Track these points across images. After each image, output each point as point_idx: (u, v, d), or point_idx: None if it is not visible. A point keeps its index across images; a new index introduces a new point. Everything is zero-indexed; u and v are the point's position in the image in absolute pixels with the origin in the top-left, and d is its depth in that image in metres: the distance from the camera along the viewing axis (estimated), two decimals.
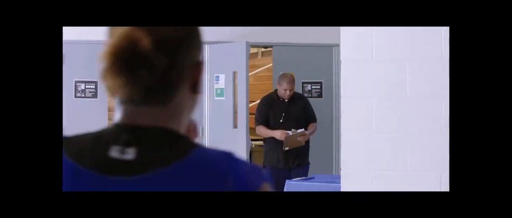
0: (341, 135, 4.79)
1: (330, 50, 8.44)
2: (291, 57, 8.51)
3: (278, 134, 7.86)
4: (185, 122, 1.47)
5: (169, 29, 1.41)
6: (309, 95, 8.62)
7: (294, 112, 7.98)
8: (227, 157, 1.40)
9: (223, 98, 8.38)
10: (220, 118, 8.39)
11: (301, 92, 8.69)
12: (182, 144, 1.41)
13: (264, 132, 8.00)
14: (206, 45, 8.31)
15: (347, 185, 4.63)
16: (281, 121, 7.94)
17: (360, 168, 4.68)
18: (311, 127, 8.10)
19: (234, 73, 8.41)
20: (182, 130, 1.45)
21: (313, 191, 5.66)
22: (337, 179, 5.39)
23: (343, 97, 4.76)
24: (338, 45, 5.49)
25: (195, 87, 1.47)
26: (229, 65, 8.39)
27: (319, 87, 8.65)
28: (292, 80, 7.91)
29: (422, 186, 4.32)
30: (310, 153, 8.54)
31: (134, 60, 1.35)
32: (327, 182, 6.10)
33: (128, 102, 1.41)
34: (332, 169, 8.53)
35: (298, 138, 7.88)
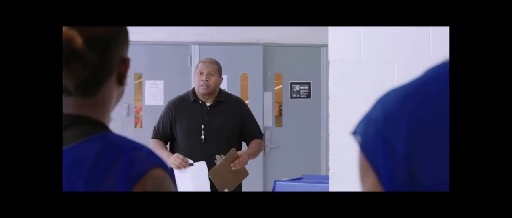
0: (329, 135, 4.80)
1: (319, 51, 8.45)
2: (279, 57, 8.51)
3: (171, 161, 5.13)
4: (110, 110, 1.62)
5: (99, 28, 1.54)
6: (298, 96, 8.59)
7: (221, 123, 5.36)
8: (128, 142, 1.52)
9: None
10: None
11: (289, 93, 8.63)
12: (96, 127, 1.54)
13: (155, 149, 4.65)
14: (196, 46, 8.30)
15: (335, 185, 4.64)
16: (202, 137, 5.28)
17: (349, 168, 4.69)
18: (253, 144, 5.55)
19: (241, 75, 8.34)
20: (107, 117, 1.60)
21: (301, 191, 5.66)
22: (325, 179, 5.39)
23: (331, 98, 4.76)
24: (326, 46, 5.50)
25: (121, 80, 1.62)
26: (229, 67, 8.36)
27: (307, 87, 8.64)
28: (213, 61, 5.49)
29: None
30: (298, 153, 8.55)
31: (68, 56, 1.48)
32: (315, 182, 6.10)
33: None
34: (320, 169, 8.53)
35: (233, 166, 5.23)
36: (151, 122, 8.20)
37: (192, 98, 5.42)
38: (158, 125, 5.48)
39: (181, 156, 5.17)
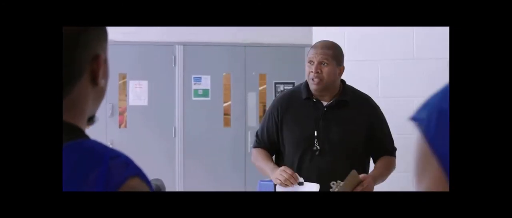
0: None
1: (303, 51, 8.46)
2: (264, 57, 8.51)
3: (276, 175, 3.91)
4: (85, 112, 1.53)
5: (64, 27, 1.45)
6: None
7: (342, 130, 3.98)
8: (105, 150, 1.44)
9: (208, 98, 8.37)
10: (202, 118, 8.34)
11: (273, 93, 8.62)
12: (69, 133, 1.44)
13: (257, 164, 4.18)
14: (180, 46, 8.29)
15: None
16: (316, 147, 3.93)
17: None
18: (383, 162, 4.08)
19: (224, 75, 8.36)
20: (82, 119, 1.51)
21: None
22: None
23: None
24: (310, 46, 5.51)
25: (95, 80, 1.52)
26: (214, 67, 8.37)
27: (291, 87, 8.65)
28: (326, 45, 4.07)
29: (395, 186, 4.33)
30: None
31: None
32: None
33: None
34: None
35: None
36: (135, 122, 8.21)
37: (304, 96, 4.03)
38: (262, 129, 4.15)
39: (289, 170, 3.85)
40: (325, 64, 3.95)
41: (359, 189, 3.76)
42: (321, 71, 3.93)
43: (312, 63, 3.97)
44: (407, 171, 4.09)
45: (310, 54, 4.03)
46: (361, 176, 3.81)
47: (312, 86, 3.97)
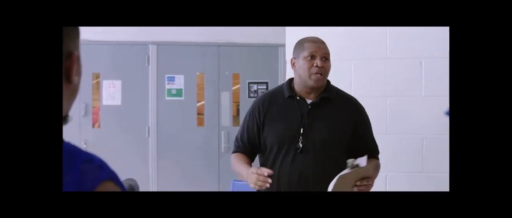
0: None
1: (276, 50, 8.47)
2: (237, 57, 8.51)
3: (245, 175, 3.78)
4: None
5: None
6: (255, 95, 8.58)
7: (327, 129, 3.80)
8: (78, 153, 1.43)
9: (182, 98, 8.35)
10: (176, 117, 8.33)
11: (247, 93, 8.63)
12: None
13: (234, 169, 4.01)
14: (154, 46, 8.28)
15: None
16: (299, 144, 3.75)
17: None
18: (372, 166, 3.74)
19: (197, 74, 8.35)
20: None
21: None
22: None
23: None
24: (284, 45, 5.52)
25: (68, 77, 1.51)
26: (187, 66, 8.36)
27: (265, 87, 8.65)
28: (320, 40, 3.91)
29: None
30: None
31: None
32: None
33: None
34: None
35: (357, 186, 3.55)
36: (108, 121, 8.18)
37: (287, 94, 3.85)
38: (241, 132, 3.98)
39: (259, 170, 3.64)
40: (326, 59, 3.81)
41: (363, 183, 3.56)
42: (325, 66, 3.78)
43: (313, 57, 3.77)
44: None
45: (309, 48, 3.80)
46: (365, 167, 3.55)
47: (310, 83, 3.79)
